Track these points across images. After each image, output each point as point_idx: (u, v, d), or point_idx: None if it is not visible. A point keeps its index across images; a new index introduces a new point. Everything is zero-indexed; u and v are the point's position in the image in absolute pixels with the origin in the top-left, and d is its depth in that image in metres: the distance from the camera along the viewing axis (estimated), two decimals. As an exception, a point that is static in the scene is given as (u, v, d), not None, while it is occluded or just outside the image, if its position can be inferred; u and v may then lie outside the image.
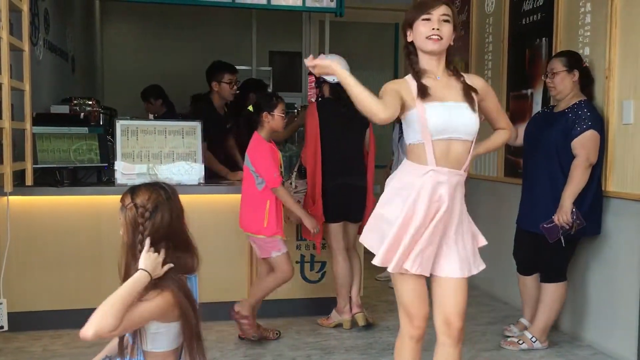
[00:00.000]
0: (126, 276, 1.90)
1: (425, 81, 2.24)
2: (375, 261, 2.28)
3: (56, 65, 5.24)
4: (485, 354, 3.48)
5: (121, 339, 1.90)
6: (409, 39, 2.29)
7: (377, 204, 2.36)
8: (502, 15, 4.52)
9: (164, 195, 1.92)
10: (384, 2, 6.40)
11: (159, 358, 1.91)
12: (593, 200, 3.33)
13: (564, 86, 3.38)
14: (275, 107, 3.49)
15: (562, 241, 3.30)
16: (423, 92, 2.19)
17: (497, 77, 4.61)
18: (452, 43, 2.27)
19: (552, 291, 3.44)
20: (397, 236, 2.22)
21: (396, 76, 6.65)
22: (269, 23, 6.99)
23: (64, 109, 4.42)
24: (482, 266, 2.36)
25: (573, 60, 3.41)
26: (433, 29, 2.20)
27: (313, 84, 4.23)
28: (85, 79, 6.64)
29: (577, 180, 3.23)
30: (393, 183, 2.33)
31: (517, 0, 4.35)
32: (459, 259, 2.27)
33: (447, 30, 2.22)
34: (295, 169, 3.95)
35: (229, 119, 4.63)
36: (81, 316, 3.86)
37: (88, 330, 1.69)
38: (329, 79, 3.80)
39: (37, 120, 3.78)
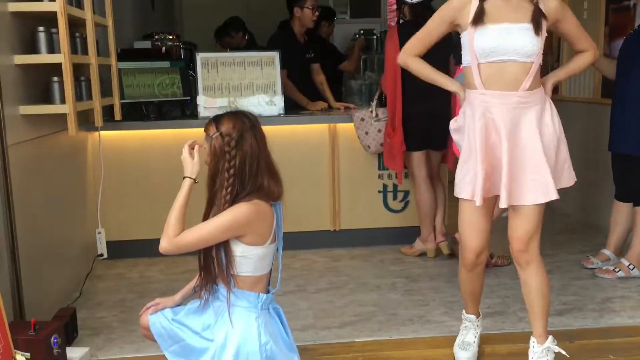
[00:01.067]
0: (209, 206, 1.93)
1: (493, 2, 2.17)
2: (459, 194, 2.30)
3: (136, 1, 5.30)
4: (578, 282, 3.35)
5: (207, 264, 1.95)
6: None
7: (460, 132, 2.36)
8: None
9: (248, 123, 1.93)
10: None
11: (248, 283, 1.95)
12: None
13: None
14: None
15: None
16: (477, 19, 2.17)
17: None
18: None
19: None
20: (471, 166, 2.23)
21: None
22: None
23: (146, 45, 4.49)
24: (556, 196, 2.20)
25: None
26: None
27: (393, 7, 4.05)
28: (165, 14, 6.71)
29: None
30: (466, 109, 2.29)
31: None
32: (531, 185, 2.19)
33: None
34: (376, 97, 3.84)
35: (309, 48, 4.55)
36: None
37: (161, 243, 1.88)
38: None
39: (122, 55, 3.87)
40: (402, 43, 3.56)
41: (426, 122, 3.63)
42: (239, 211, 1.87)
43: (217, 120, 1.95)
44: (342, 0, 6.79)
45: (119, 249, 3.82)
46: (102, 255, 3.71)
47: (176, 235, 1.88)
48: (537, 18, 2.16)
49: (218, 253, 1.92)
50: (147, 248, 3.84)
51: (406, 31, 3.62)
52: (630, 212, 3.41)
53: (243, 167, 1.89)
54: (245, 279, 1.94)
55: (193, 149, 2.00)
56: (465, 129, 2.29)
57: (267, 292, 2.01)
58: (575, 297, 3.15)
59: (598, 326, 2.81)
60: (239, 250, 1.91)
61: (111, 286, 3.48)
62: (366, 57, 5.29)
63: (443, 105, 3.67)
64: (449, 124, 3.64)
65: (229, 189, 1.88)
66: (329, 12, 5.37)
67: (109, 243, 3.70)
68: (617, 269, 3.38)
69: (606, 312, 2.95)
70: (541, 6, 2.19)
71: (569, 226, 4.42)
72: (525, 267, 2.31)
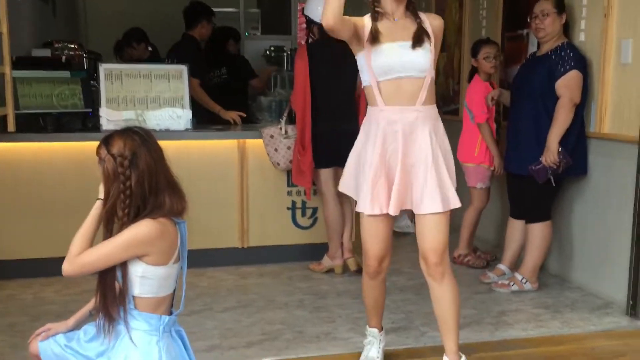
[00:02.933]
0: (108, 230, 1.84)
1: (382, 23, 2.30)
2: (359, 208, 2.40)
3: (36, 8, 5.05)
4: (477, 296, 3.50)
5: (104, 286, 1.85)
6: None
7: (351, 152, 2.49)
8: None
9: (138, 139, 1.83)
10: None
11: (150, 305, 1.87)
12: (577, 141, 3.40)
13: (553, 28, 3.39)
14: None
15: (552, 181, 3.36)
16: (373, 38, 2.27)
17: (492, 18, 4.49)
18: None
19: (539, 231, 3.48)
20: (366, 178, 2.33)
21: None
22: (256, -37, 6.75)
23: (46, 53, 4.28)
24: (457, 204, 2.35)
25: (562, 3, 3.44)
26: None
27: (303, 26, 4.09)
28: (68, 22, 6.43)
29: (562, 120, 3.29)
30: (360, 133, 2.45)
31: (514, -64, 4.18)
32: (433, 194, 2.29)
33: None
34: (286, 114, 3.86)
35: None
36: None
37: (63, 264, 1.78)
38: (317, 19, 3.67)
39: (17, 64, 3.67)
40: (311, 62, 3.66)
41: (335, 139, 3.67)
42: (140, 229, 1.79)
43: (106, 141, 1.83)
44: (253, 17, 6.81)
45: (11, 269, 3.58)
46: (-9, 275, 3.46)
47: (77, 255, 1.78)
48: (419, 35, 2.29)
49: (115, 274, 1.83)
50: (42, 267, 3.65)
51: (316, 50, 3.71)
52: (523, 228, 3.61)
53: (142, 186, 1.80)
54: (146, 300, 1.86)
55: None
56: (366, 145, 2.37)
57: (170, 313, 1.94)
58: (473, 310, 3.28)
59: (494, 339, 2.93)
60: (140, 270, 1.83)
61: (1, 308, 3.24)
62: (276, 73, 5.31)
63: (351, 123, 3.74)
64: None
65: (126, 211, 1.80)
66: (236, 32, 5.43)
67: (0, 262, 3.47)
68: (511, 283, 3.56)
69: (501, 325, 3.10)
70: (426, 25, 2.33)
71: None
72: (441, 280, 2.35)
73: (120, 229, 1.80)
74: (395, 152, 2.29)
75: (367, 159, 2.33)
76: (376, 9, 2.30)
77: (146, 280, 1.84)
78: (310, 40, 3.83)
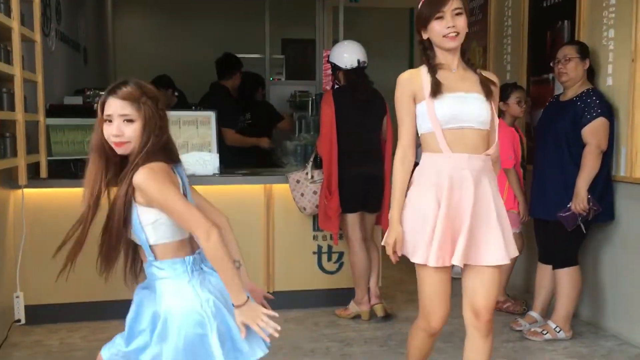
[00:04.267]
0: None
1: (441, 74, 2.25)
2: (416, 258, 2.24)
3: (68, 56, 5.21)
4: (508, 345, 3.41)
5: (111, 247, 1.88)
6: (424, 37, 2.28)
7: (404, 209, 2.29)
8: (522, -2, 4.40)
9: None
10: (398, -13, 6.29)
11: (170, 251, 1.85)
12: (604, 187, 3.37)
13: (576, 73, 3.41)
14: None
15: (583, 228, 3.33)
16: (435, 91, 2.21)
17: (517, 62, 4.50)
18: (467, 30, 2.26)
19: (567, 277, 3.41)
20: (430, 228, 2.20)
21: (411, 63, 6.54)
22: (281, 10, 6.90)
23: (77, 100, 4.38)
24: (516, 253, 2.31)
25: (585, 49, 3.45)
26: (448, 27, 2.19)
27: (328, 72, 4.15)
28: (98, 69, 6.61)
29: (590, 167, 3.28)
30: (413, 184, 2.30)
31: (537, -18, 4.23)
32: (491, 247, 2.21)
33: (461, 23, 2.21)
34: (312, 159, 3.88)
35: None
36: (98, 308, 3.86)
37: (208, 242, 1.76)
38: (343, 65, 3.73)
39: (51, 111, 3.76)
40: (337, 107, 3.69)
41: (361, 185, 3.68)
42: (159, 169, 1.78)
43: (138, 85, 1.85)
44: (278, 62, 6.93)
45: (39, 314, 3.59)
46: (19, 320, 3.47)
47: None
48: (485, 85, 2.26)
49: (123, 232, 1.84)
50: (71, 312, 3.67)
51: (341, 96, 3.75)
52: (552, 274, 3.53)
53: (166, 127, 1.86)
54: (164, 247, 1.84)
55: None
56: (424, 195, 2.24)
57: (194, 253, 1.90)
58: (505, 359, 3.19)
59: (529, 389, 2.85)
60: (152, 217, 1.81)
61: (28, 355, 3.24)
62: (301, 117, 5.37)
63: (378, 169, 3.76)
64: (383, 187, 3.76)
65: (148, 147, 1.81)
66: (262, 79, 5.59)
67: (27, 307, 3.48)
68: (544, 331, 3.47)
69: (536, 375, 3.01)
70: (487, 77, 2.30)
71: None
72: (487, 335, 2.27)
73: (130, 170, 1.78)
74: (463, 200, 2.19)
75: (429, 208, 2.20)
76: (431, 63, 2.27)
77: (160, 226, 1.83)
78: (335, 86, 3.88)
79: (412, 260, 2.24)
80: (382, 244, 2.37)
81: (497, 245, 2.20)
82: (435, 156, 2.24)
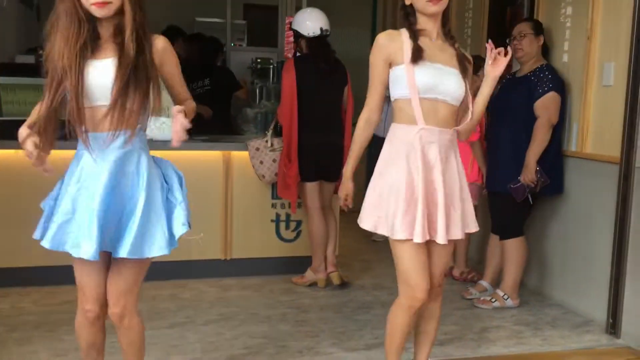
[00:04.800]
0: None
1: (421, 41, 2.19)
2: (398, 235, 2.16)
3: (20, 13, 5.00)
4: (459, 312, 3.52)
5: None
6: (407, 2, 2.21)
7: (372, 179, 2.27)
8: (484, -28, 4.43)
9: None
10: (363, -45, 6.23)
11: None
12: (553, 160, 3.48)
13: (530, 49, 3.49)
14: None
15: (530, 199, 3.44)
16: (417, 57, 2.15)
17: (477, 36, 4.55)
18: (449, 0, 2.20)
19: (513, 247, 3.53)
20: (408, 205, 2.15)
21: (374, 32, 6.52)
22: (244, -26, 6.77)
23: (30, 59, 4.23)
24: (476, 228, 2.33)
25: (539, 25, 3.54)
26: None
27: (291, 39, 4.11)
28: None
29: (540, 140, 3.37)
30: (384, 153, 2.26)
31: (500, -43, 4.26)
32: (450, 222, 2.21)
33: None
34: (272, 127, 3.86)
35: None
36: (49, 273, 3.78)
37: None
38: (305, 33, 3.70)
39: (1, 71, 3.62)
40: (298, 76, 3.67)
41: (321, 153, 3.69)
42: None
43: None
44: (239, 28, 6.80)
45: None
46: (-33, 284, 3.38)
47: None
48: (462, 62, 2.23)
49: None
50: (21, 276, 3.59)
51: (303, 64, 3.72)
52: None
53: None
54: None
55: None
56: (389, 163, 2.22)
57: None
58: (455, 326, 3.29)
59: (477, 355, 2.95)
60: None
61: (-23, 319, 3.18)
62: (262, 85, 5.31)
63: (338, 138, 3.77)
64: (343, 156, 3.78)
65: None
66: (219, 43, 5.44)
67: (-24, 271, 3.40)
68: (493, 299, 3.59)
69: (484, 342, 3.11)
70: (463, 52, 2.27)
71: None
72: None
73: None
74: (434, 174, 2.17)
75: (401, 180, 2.16)
76: (413, 28, 2.20)
77: None
78: (297, 53, 3.85)
79: (394, 237, 2.17)
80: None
81: (455, 222, 2.23)
82: (407, 128, 2.19)
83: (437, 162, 2.18)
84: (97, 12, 1.85)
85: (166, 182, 2.07)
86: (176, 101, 2.11)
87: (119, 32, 1.90)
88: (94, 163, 1.93)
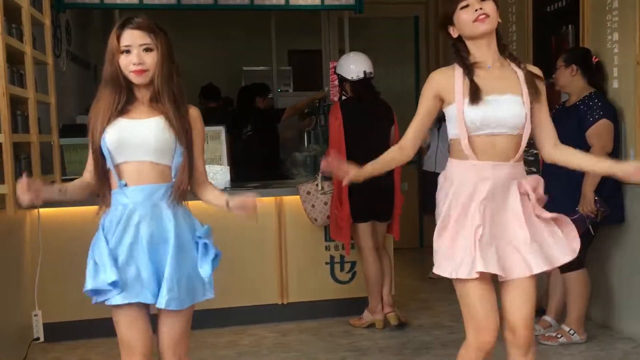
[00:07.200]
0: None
1: (476, 74, 2.07)
2: (463, 274, 2.05)
3: (79, 75, 5.29)
4: (523, 350, 3.41)
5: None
6: (454, 35, 2.12)
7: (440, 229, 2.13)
8: (526, 3, 4.42)
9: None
10: (402, -5, 6.34)
11: None
12: (612, 189, 3.37)
13: (564, 81, 3.48)
14: None
15: (592, 230, 3.33)
16: (475, 97, 2.04)
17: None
18: (500, 21, 2.10)
19: (576, 279, 3.42)
20: (464, 241, 2.06)
21: (418, 70, 6.56)
22: (287, 22, 6.96)
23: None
24: (565, 258, 2.13)
25: (571, 55, 3.51)
26: (476, 10, 2.03)
27: (335, 82, 4.19)
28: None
29: None
30: (439, 193, 2.18)
31: (540, -13, 4.26)
32: (521, 257, 2.06)
33: (490, 6, 2.05)
34: (321, 170, 3.90)
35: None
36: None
37: None
38: (349, 77, 3.77)
39: (64, 131, 3.82)
40: (344, 118, 3.72)
41: (372, 194, 3.70)
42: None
43: (151, 28, 1.95)
44: (285, 74, 6.98)
45: (58, 332, 3.64)
46: (38, 339, 3.52)
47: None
48: (531, 83, 2.09)
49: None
50: (90, 329, 3.71)
51: (348, 107, 3.78)
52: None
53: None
54: None
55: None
56: (447, 202, 2.12)
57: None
58: (521, 365, 3.19)
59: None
60: None
61: (48, 372, 3.30)
62: (309, 129, 5.40)
63: (387, 177, 3.77)
64: (393, 196, 3.79)
65: (175, 90, 1.98)
66: (262, 87, 5.64)
67: (46, 325, 3.53)
68: (559, 335, 3.47)
69: (552, 380, 3.01)
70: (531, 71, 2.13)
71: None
72: (527, 352, 2.14)
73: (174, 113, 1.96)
74: (488, 209, 2.06)
75: (458, 216, 2.07)
76: (466, 63, 2.09)
77: None
78: (342, 97, 3.92)
79: (458, 277, 2.05)
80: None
81: (521, 257, 2.06)
82: (460, 163, 2.12)
83: (492, 197, 2.07)
84: (136, 79, 1.94)
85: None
86: (194, 178, 2.10)
87: (154, 96, 1.98)
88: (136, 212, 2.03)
